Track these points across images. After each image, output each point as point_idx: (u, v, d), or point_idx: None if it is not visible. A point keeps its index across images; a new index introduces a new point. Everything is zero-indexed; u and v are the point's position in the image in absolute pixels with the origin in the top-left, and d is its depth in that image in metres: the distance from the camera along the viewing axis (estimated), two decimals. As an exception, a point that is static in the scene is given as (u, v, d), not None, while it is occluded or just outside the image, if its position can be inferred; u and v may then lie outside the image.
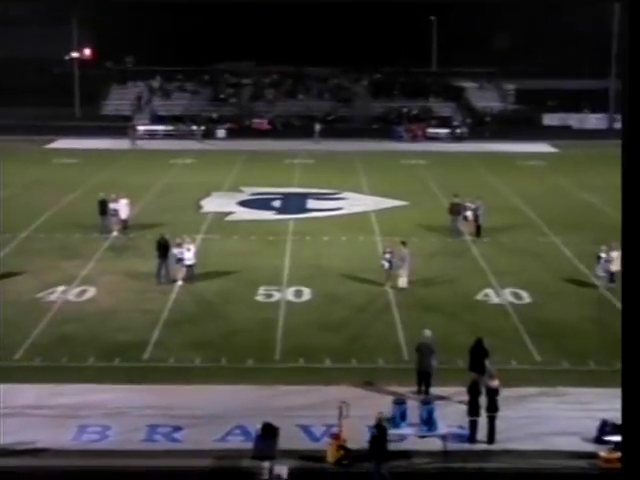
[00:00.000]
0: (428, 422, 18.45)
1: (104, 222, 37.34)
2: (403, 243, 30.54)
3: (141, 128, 72.78)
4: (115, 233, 37.01)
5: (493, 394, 19.06)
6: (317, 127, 70.63)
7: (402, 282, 29.56)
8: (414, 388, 21.05)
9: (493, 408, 18.96)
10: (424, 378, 21.14)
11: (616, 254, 29.64)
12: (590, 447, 18.57)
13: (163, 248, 30.48)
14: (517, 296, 29.07)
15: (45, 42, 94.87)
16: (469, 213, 37.02)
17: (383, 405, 19.25)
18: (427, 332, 21.81)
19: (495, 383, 19.25)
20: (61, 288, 29.51)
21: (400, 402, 18.80)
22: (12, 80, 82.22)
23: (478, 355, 21.23)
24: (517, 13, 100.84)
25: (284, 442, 17.80)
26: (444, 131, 74.56)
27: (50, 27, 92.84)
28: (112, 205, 37.28)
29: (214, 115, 79.53)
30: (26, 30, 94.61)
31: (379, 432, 17.26)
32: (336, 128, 74.73)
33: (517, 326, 26.26)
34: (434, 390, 20.92)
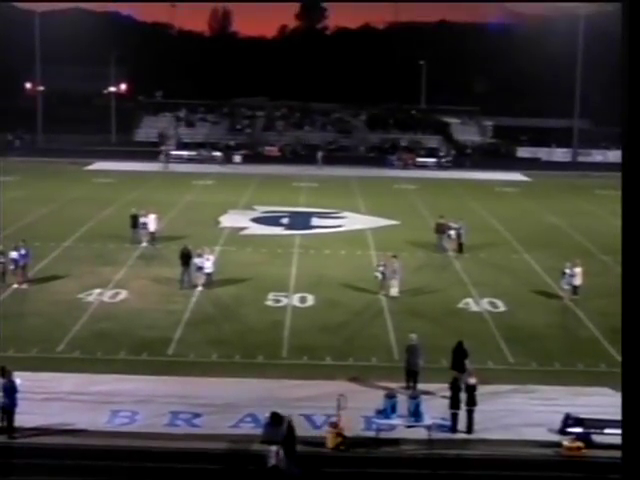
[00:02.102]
0: (415, 414, 18.33)
1: (135, 234, 37.30)
2: (395, 257, 30.49)
3: (169, 153, 72.50)
4: (144, 244, 36.97)
5: (471, 390, 18.99)
6: (319, 155, 70.50)
7: (393, 291, 29.48)
8: (403, 384, 20.94)
9: (471, 402, 18.91)
10: (412, 376, 21.02)
11: (579, 270, 29.68)
12: (555, 437, 18.52)
13: (185, 257, 30.43)
14: (493, 305, 28.99)
15: (87, 79, 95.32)
16: (452, 232, 36.99)
17: (376, 399, 19.24)
18: (413, 335, 21.68)
19: (473, 380, 19.18)
20: (98, 290, 29.46)
21: (391, 396, 18.67)
22: (59, 111, 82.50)
23: (459, 356, 21.18)
24: (495, 62, 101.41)
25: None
26: (431, 160, 74.38)
27: (92, 66, 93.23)
28: (142, 219, 37.25)
29: (231, 143, 79.58)
30: (72, 68, 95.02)
31: (288, 432, 16.92)
32: (337, 156, 74.73)
33: (493, 331, 26.17)
34: (420, 386, 20.80)
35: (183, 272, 30.23)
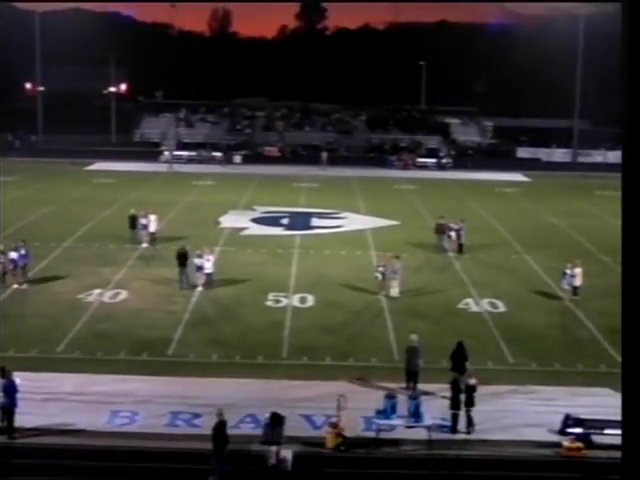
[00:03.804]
0: (415, 414, 18.36)
1: (134, 235, 37.18)
2: (397, 257, 30.37)
3: (173, 153, 72.20)
4: (144, 244, 36.93)
5: (471, 391, 18.99)
6: (324, 155, 70.51)
7: (394, 292, 29.43)
8: (403, 384, 20.95)
9: (470, 403, 18.91)
10: (412, 376, 21.02)
11: (579, 270, 29.69)
12: (555, 438, 18.55)
13: (182, 258, 30.42)
14: (493, 305, 29.00)
15: (87, 79, 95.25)
16: (453, 233, 37.01)
17: (376, 399, 19.24)
18: (414, 336, 21.67)
19: (473, 381, 19.19)
20: (98, 291, 29.48)
21: (391, 396, 18.68)
22: (59, 111, 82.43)
23: (459, 356, 21.16)
24: (495, 62, 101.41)
25: (289, 429, 17.77)
26: (431, 161, 74.35)
27: (92, 66, 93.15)
28: (142, 220, 37.20)
29: (231, 143, 79.57)
30: (72, 69, 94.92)
31: (218, 426, 16.89)
32: (337, 156, 74.62)
33: (493, 331, 26.18)
34: (420, 386, 20.83)
35: (180, 273, 30.23)
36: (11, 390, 18.10)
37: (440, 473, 17.39)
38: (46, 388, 20.36)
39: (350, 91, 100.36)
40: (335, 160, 70.78)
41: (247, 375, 21.90)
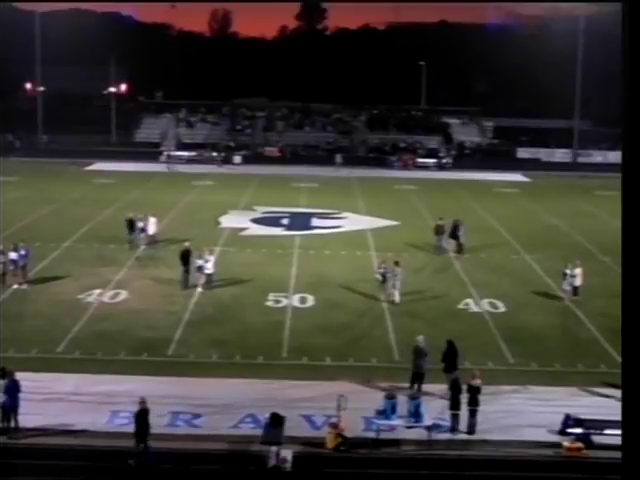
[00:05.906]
0: (415, 414, 18.37)
1: (132, 238, 36.23)
2: (396, 263, 29.32)
3: (172, 154, 72.15)
4: (143, 246, 36.59)
5: (475, 392, 18.98)
6: (338, 157, 70.31)
7: (391, 295, 29.01)
8: (403, 385, 20.88)
9: (474, 403, 18.89)
10: (418, 378, 20.96)
11: (579, 271, 29.69)
12: (555, 438, 18.56)
13: (186, 257, 30.40)
14: (493, 305, 28.98)
15: (87, 79, 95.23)
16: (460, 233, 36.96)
17: (376, 399, 19.24)
18: (420, 337, 21.54)
19: (478, 382, 19.18)
20: (98, 291, 29.46)
21: (391, 397, 18.69)
22: (59, 111, 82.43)
23: (451, 356, 21.12)
24: (495, 62, 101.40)
25: (289, 430, 17.78)
26: (431, 161, 74.30)
27: (92, 66, 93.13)
28: (140, 223, 36.39)
29: (231, 143, 79.48)
30: (72, 69, 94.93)
31: (141, 415, 17.09)
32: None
33: (493, 332, 26.17)
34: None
35: (183, 272, 30.23)
36: (13, 390, 18.10)
37: (440, 473, 17.39)
38: (46, 388, 20.34)
39: (350, 91, 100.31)
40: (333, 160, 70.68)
41: (247, 375, 21.88)
